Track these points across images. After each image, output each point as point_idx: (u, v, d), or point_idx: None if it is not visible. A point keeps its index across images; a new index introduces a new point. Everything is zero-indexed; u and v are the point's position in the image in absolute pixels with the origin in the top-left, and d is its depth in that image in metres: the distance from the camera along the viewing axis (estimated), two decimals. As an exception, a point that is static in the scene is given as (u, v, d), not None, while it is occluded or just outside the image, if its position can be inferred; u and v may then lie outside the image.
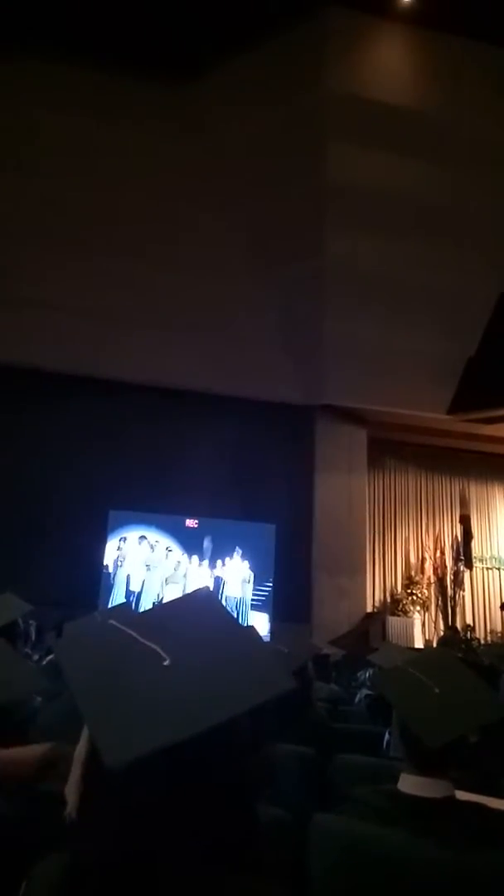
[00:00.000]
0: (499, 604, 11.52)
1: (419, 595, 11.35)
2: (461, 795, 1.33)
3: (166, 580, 9.34)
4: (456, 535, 11.72)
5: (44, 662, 3.70)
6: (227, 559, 9.53)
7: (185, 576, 9.40)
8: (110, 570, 9.29)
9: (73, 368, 9.35)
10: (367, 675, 4.34)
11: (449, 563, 11.51)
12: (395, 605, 11.28)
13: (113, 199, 9.58)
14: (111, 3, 8.84)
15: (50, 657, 3.57)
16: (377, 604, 11.29)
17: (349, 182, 9.59)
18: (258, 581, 9.49)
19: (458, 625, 10.97)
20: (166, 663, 0.66)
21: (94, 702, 0.64)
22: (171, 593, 8.96)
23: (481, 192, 9.85)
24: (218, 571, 9.47)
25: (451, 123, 9.84)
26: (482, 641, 10.28)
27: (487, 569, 12.23)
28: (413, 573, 11.68)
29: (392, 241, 9.79)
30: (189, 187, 9.75)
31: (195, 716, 0.61)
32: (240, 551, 9.55)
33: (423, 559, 11.75)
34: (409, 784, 1.32)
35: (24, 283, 9.29)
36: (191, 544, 9.57)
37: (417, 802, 1.29)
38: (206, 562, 9.51)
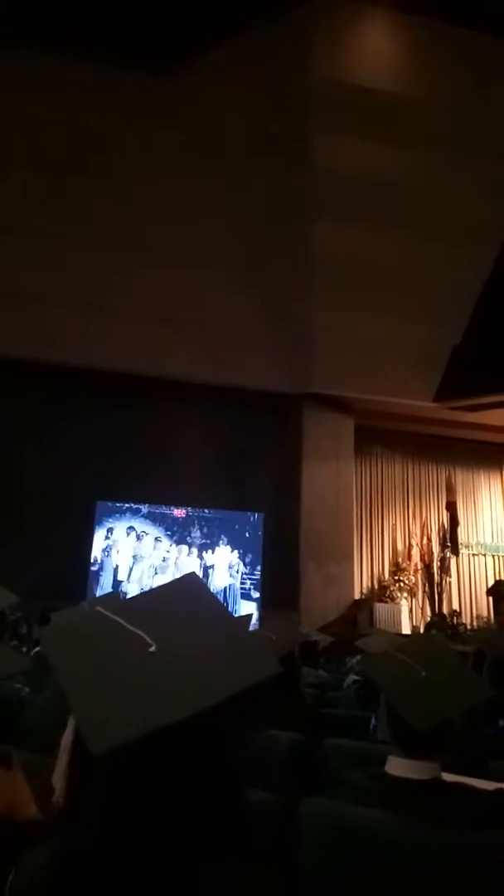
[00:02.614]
0: (485, 589, 11.66)
1: (406, 581, 11.45)
2: (448, 777, 1.34)
3: (155, 570, 9.34)
4: (442, 522, 11.82)
5: (31, 654, 3.69)
6: (215, 548, 9.55)
7: (175, 565, 9.40)
8: (98, 560, 9.27)
9: (58, 359, 9.28)
10: (355, 661, 4.37)
11: (436, 549, 11.61)
12: (382, 592, 11.37)
13: (98, 190, 9.46)
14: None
15: (37, 649, 3.56)
16: (365, 591, 11.38)
17: (336, 170, 9.54)
18: (246, 569, 9.53)
19: (445, 610, 11.10)
20: (152, 649, 0.66)
21: (80, 688, 0.64)
22: (160, 584, 8.96)
23: (467, 181, 9.84)
24: (206, 560, 9.49)
25: (439, 111, 9.80)
26: (468, 626, 10.40)
27: (473, 555, 12.36)
28: (400, 560, 11.78)
29: (379, 230, 9.76)
30: (174, 177, 9.64)
31: (180, 701, 0.61)
32: (225, 539, 9.57)
33: (410, 546, 11.85)
34: (397, 766, 1.33)
35: (9, 274, 9.17)
36: (179, 534, 9.58)
37: (405, 784, 1.30)
38: (194, 551, 9.52)
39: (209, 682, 0.64)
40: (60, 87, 9.36)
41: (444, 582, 11.46)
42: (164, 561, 9.42)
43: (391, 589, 11.38)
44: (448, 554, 11.47)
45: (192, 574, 0.87)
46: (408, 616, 10.94)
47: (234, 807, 0.73)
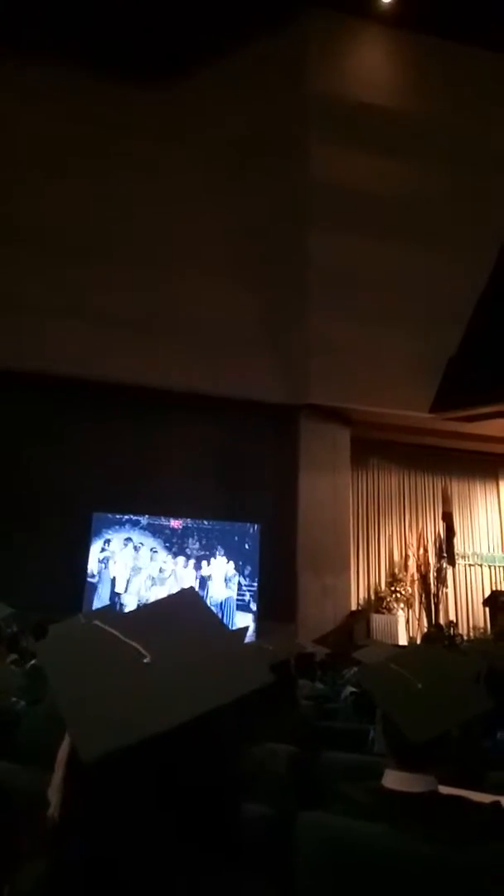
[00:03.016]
0: (481, 600, 11.64)
1: (403, 592, 11.42)
2: (444, 790, 1.34)
3: (153, 582, 9.31)
4: (439, 533, 11.81)
5: (27, 666, 3.66)
6: (212, 559, 9.52)
7: (172, 576, 9.37)
8: (94, 572, 9.23)
9: (55, 369, 9.28)
10: (352, 672, 4.36)
11: (432, 560, 11.60)
12: (379, 603, 11.34)
13: (95, 199, 9.52)
14: (93, 4, 8.80)
15: (33, 662, 3.54)
16: (361, 602, 11.35)
17: (332, 182, 9.63)
18: (245, 580, 9.50)
19: (442, 621, 11.07)
20: (147, 661, 0.66)
21: (73, 699, 0.64)
22: (157, 595, 8.93)
23: (462, 193, 9.94)
24: (203, 572, 9.46)
25: (432, 123, 9.93)
26: (465, 637, 10.37)
27: (470, 565, 12.35)
28: (397, 571, 11.76)
29: (375, 240, 9.84)
30: (172, 187, 9.72)
31: (170, 710, 0.61)
32: (222, 550, 9.55)
33: (407, 557, 11.83)
34: (393, 780, 1.32)
35: (9, 285, 9.19)
36: (177, 545, 9.55)
37: (401, 797, 1.29)
38: (191, 563, 9.49)
39: (200, 692, 0.64)
40: (63, 96, 9.46)
41: (440, 592, 11.44)
42: (161, 572, 9.39)
43: (388, 600, 11.35)
44: (444, 564, 11.46)
45: (191, 588, 0.87)
46: (404, 627, 10.91)
47: (231, 818, 0.73)
